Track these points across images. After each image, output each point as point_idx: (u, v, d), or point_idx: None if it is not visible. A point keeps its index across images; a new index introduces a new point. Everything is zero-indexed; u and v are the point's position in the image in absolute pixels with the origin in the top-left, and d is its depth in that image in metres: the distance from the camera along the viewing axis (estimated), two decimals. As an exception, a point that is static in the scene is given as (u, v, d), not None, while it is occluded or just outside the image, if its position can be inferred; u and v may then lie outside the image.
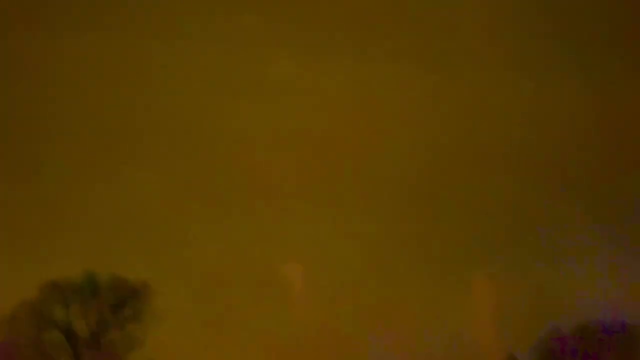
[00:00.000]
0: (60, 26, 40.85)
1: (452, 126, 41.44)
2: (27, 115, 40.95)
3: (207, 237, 42.53)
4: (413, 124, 42.22)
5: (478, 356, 32.18)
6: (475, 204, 41.66)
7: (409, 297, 39.52)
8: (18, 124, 40.97)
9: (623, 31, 40.37)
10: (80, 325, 28.17)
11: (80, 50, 41.02)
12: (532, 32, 41.61)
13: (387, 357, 35.54)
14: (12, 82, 40.97)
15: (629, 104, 38.39)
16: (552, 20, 42.17)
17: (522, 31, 41.37)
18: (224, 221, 43.62)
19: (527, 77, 39.49)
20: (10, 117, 40.92)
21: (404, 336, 35.41)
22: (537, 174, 40.57)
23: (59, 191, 39.68)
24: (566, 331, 30.94)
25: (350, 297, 39.44)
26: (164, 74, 42.28)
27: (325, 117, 42.38)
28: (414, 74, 41.45)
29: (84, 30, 41.39)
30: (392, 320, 37.97)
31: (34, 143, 38.83)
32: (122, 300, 28.76)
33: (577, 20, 40.89)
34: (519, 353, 32.61)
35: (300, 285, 34.47)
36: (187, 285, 37.81)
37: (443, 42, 41.92)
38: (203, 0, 43.98)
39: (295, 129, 43.03)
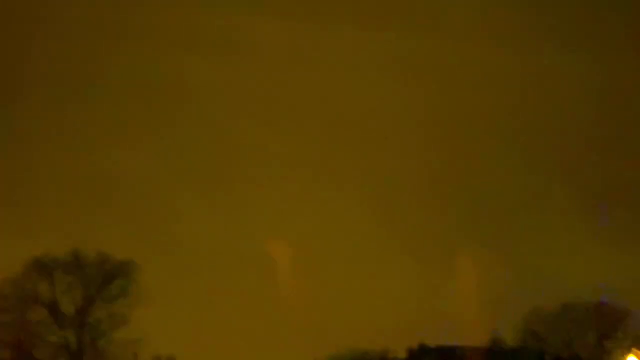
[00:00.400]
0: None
1: (438, 109, 41.36)
2: (4, 90, 40.16)
3: (195, 214, 42.34)
4: (401, 104, 42.05)
5: (463, 335, 32.64)
6: (461, 185, 41.85)
7: (394, 275, 39.86)
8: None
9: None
10: (66, 302, 27.99)
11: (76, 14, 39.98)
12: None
13: (372, 334, 35.96)
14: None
15: (622, 92, 38.41)
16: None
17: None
18: (211, 198, 43.43)
19: (517, 55, 39.35)
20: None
21: (389, 314, 35.80)
22: (524, 156, 40.72)
23: (43, 167, 39.14)
24: (549, 310, 31.42)
25: (336, 275, 39.70)
26: (151, 46, 41.46)
27: (315, 94, 42.01)
28: (404, 44, 40.99)
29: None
30: (377, 298, 38.34)
31: (17, 118, 38.15)
32: (108, 278, 28.49)
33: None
34: (503, 332, 33.18)
35: (287, 262, 34.50)
36: (174, 262, 37.73)
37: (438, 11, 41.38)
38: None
39: (283, 105, 42.65)
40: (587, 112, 38.83)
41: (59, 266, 28.18)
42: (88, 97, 40.97)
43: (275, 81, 40.89)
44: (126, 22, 38.62)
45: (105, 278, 28.53)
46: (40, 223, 33.11)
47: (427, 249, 39.36)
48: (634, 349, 27.70)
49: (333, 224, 41.93)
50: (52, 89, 40.12)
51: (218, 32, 40.86)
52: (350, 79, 41.15)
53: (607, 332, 30.79)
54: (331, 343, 36.28)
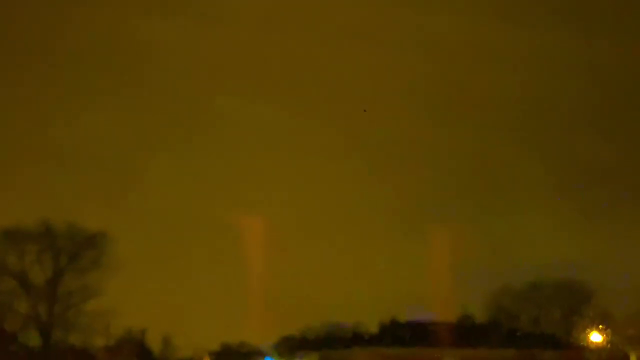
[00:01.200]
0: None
1: (418, 84, 41.20)
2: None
3: (168, 184, 41.81)
4: (382, 76, 41.75)
5: (434, 310, 33.13)
6: (435, 163, 42.09)
7: (367, 251, 40.19)
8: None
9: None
10: (35, 274, 27.48)
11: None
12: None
13: (345, 308, 36.31)
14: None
15: (601, 76, 38.68)
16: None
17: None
18: (184, 167, 42.87)
19: (500, 35, 39.28)
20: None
21: (362, 289, 36.16)
22: (500, 136, 41.05)
23: (11, 136, 38.05)
24: (518, 287, 32.06)
25: (310, 249, 39.83)
26: (112, 9, 40.15)
27: (292, 60, 41.38)
28: (386, 13, 40.44)
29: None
30: (350, 273, 38.66)
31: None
32: (79, 249, 28.02)
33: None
34: (472, 308, 33.76)
35: (261, 234, 34.37)
36: (146, 233, 37.30)
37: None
38: None
39: (258, 72, 41.93)
40: (564, 93, 39.19)
41: (28, 237, 27.57)
42: (52, 63, 39.77)
43: (248, 46, 40.18)
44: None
45: (77, 249, 28.04)
46: (9, 192, 32.38)
47: (399, 226, 39.70)
48: (596, 328, 28.46)
49: (307, 197, 41.91)
50: (15, 57, 38.92)
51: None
52: (330, 46, 40.65)
53: (573, 309, 31.50)
54: (304, 316, 36.65)
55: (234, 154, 41.66)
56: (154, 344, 36.72)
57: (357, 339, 30.80)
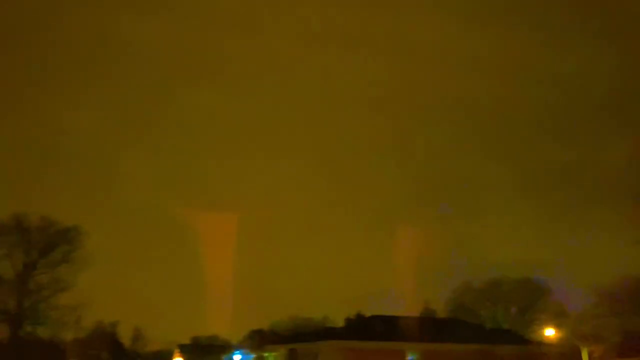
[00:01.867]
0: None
1: (385, 84, 42.18)
2: None
3: (141, 180, 42.12)
4: (350, 75, 42.55)
5: (397, 305, 34.21)
6: (403, 162, 43.21)
7: (333, 247, 41.15)
8: None
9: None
10: (5, 267, 27.59)
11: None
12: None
13: (312, 303, 37.18)
14: None
15: (564, 80, 40.12)
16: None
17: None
18: (157, 164, 43.21)
19: (464, 39, 40.41)
20: None
21: (329, 285, 37.11)
22: (465, 136, 42.35)
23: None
24: (478, 284, 33.29)
25: (277, 244, 40.61)
26: (91, 5, 40.20)
27: (263, 58, 41.90)
28: (350, 14, 41.15)
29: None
30: (317, 269, 39.56)
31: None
32: (51, 243, 28.20)
33: None
34: (435, 303, 34.87)
35: (231, 230, 34.95)
36: (119, 227, 37.65)
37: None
38: None
39: (231, 68, 42.34)
40: (528, 100, 40.58)
41: (0, 230, 27.69)
42: (27, 58, 39.65)
43: (220, 43, 40.56)
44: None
45: (49, 243, 28.23)
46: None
47: (366, 223, 40.73)
48: (551, 324, 29.76)
49: (277, 195, 42.63)
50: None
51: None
52: (300, 43, 41.29)
53: (530, 306, 32.79)
54: (273, 311, 37.43)
55: (207, 151, 42.11)
56: (125, 337, 37.11)
57: (324, 332, 31.55)
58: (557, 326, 30.49)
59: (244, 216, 36.59)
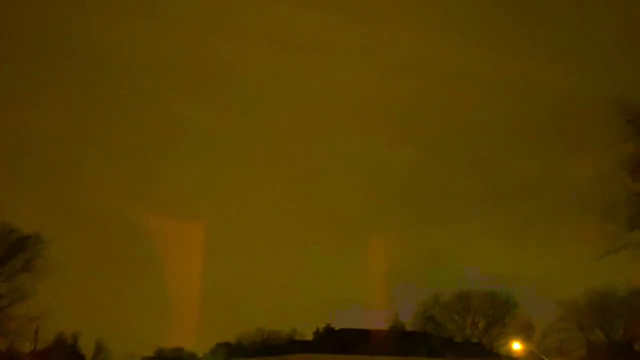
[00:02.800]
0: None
1: (355, 99, 42.38)
2: None
3: (106, 187, 41.07)
4: (322, 86, 42.61)
5: (366, 318, 34.13)
6: (372, 171, 43.35)
7: (302, 260, 40.88)
8: None
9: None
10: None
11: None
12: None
13: (280, 316, 36.80)
14: None
15: (530, 93, 40.95)
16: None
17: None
18: (122, 171, 42.19)
19: (434, 52, 40.94)
20: None
21: (297, 297, 36.80)
22: (436, 145, 42.76)
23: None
24: (446, 297, 33.48)
25: (246, 256, 40.12)
26: (62, 6, 39.31)
27: (237, 68, 41.58)
28: (325, 24, 41.27)
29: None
30: (285, 281, 39.20)
31: None
32: (11, 251, 27.15)
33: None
34: (403, 316, 34.91)
35: (198, 241, 34.41)
36: (82, 235, 36.54)
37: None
38: None
39: (201, 75, 41.86)
40: (495, 112, 41.29)
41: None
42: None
43: (195, 50, 40.08)
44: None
45: (8, 251, 27.17)
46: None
47: (335, 235, 40.63)
48: (517, 338, 30.14)
49: (245, 205, 42.18)
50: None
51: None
52: (272, 53, 41.13)
53: (497, 319, 33.14)
54: (240, 323, 36.86)
55: (175, 160, 41.40)
56: (87, 349, 35.94)
57: (292, 345, 31.21)
58: (524, 340, 30.91)
59: (212, 226, 36.07)
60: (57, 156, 39.63)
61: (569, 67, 38.52)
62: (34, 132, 38.67)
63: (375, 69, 43.00)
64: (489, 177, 43.39)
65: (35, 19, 38.46)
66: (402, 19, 40.86)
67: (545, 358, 28.52)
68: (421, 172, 43.07)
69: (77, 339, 34.24)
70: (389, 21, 39.49)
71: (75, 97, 41.02)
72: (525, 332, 31.41)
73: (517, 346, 30.72)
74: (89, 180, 38.70)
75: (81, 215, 36.70)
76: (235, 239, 39.73)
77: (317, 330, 33.07)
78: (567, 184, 37.51)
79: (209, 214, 39.49)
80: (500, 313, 33.21)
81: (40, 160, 38.19)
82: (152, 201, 39.90)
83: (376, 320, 33.05)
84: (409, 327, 33.42)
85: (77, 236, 34.64)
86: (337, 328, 31.47)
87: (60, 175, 38.69)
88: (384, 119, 43.58)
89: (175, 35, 39.41)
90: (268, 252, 40.54)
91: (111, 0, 39.45)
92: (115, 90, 40.60)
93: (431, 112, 42.42)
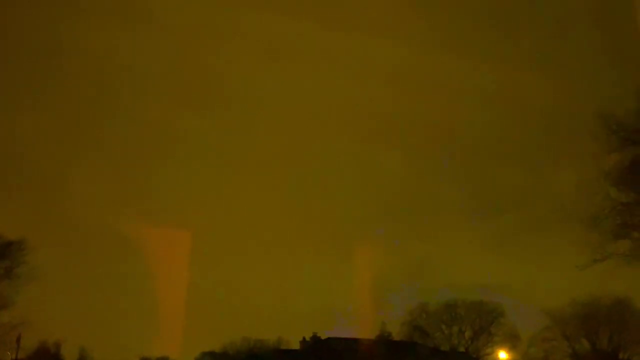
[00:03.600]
0: None
1: (345, 107, 42.42)
2: None
3: (90, 193, 40.67)
4: (311, 95, 42.64)
5: (353, 327, 34.00)
6: (360, 181, 43.38)
7: (289, 268, 40.67)
8: None
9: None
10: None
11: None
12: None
13: (266, 324, 36.54)
14: None
15: (515, 106, 41.25)
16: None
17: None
18: (108, 178, 41.83)
19: (419, 63, 41.12)
20: None
21: (284, 306, 36.57)
22: (422, 157, 42.84)
23: None
24: (433, 307, 33.51)
25: (232, 264, 39.83)
26: (49, 11, 39.02)
27: (223, 76, 41.50)
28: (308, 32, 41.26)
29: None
30: (271, 290, 38.96)
31: None
32: (-7, 257, 26.75)
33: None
34: (390, 326, 34.88)
35: (183, 249, 34.17)
36: (66, 242, 36.11)
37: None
38: None
39: (190, 84, 41.74)
40: (482, 123, 41.52)
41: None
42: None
43: (185, 58, 39.94)
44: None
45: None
46: None
47: (322, 244, 40.51)
48: (503, 347, 30.27)
49: (232, 213, 41.95)
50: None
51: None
52: (261, 61, 41.07)
53: (483, 329, 33.20)
54: (226, 331, 36.54)
55: (159, 167, 41.08)
56: (69, 357, 35.46)
57: (278, 354, 31.06)
58: (510, 349, 31.03)
59: (197, 234, 35.74)
60: (43, 162, 39.22)
61: (554, 79, 38.87)
62: (21, 138, 38.28)
63: (364, 78, 43.09)
64: (476, 187, 43.58)
65: (26, 24, 38.17)
66: (392, 28, 41.04)
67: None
68: (408, 181, 43.14)
69: (59, 348, 33.78)
70: (378, 30, 39.64)
71: (64, 103, 40.67)
72: (512, 342, 31.52)
73: (503, 355, 30.85)
74: (75, 187, 38.31)
75: (66, 222, 36.29)
76: (221, 247, 39.46)
77: (304, 339, 32.96)
78: (553, 194, 37.74)
79: (196, 221, 39.16)
80: (486, 322, 33.26)
81: (26, 166, 37.75)
82: (138, 208, 39.53)
83: (363, 329, 32.93)
84: (396, 336, 33.42)
85: (61, 243, 34.24)
86: (324, 337, 31.40)
87: (46, 182, 38.25)
88: (371, 129, 43.61)
89: (165, 43, 39.30)
90: (254, 261, 40.30)
91: (103, 6, 39.15)
92: (104, 97, 40.36)
93: (419, 122, 42.57)
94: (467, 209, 41.47)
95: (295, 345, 33.55)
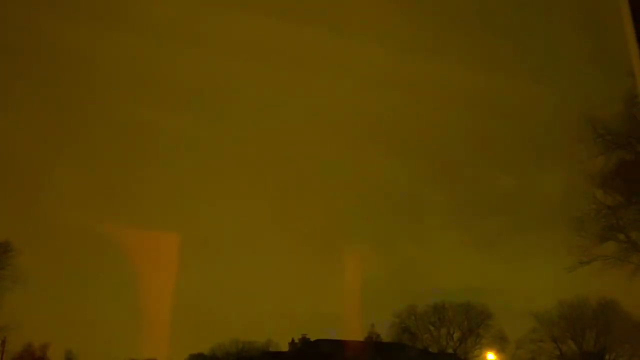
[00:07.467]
0: None
1: (330, 111, 42.40)
2: None
3: (76, 194, 40.35)
4: (298, 100, 42.57)
5: (341, 329, 34.00)
6: (346, 182, 43.34)
7: (278, 270, 40.57)
8: None
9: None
10: None
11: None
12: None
13: (255, 326, 36.47)
14: None
15: (501, 109, 41.44)
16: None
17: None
18: (93, 179, 41.50)
19: (404, 66, 41.21)
20: None
21: (273, 308, 36.49)
22: (407, 158, 42.90)
23: None
24: (421, 309, 33.67)
25: (221, 266, 39.68)
26: (29, 10, 38.64)
27: (211, 80, 41.37)
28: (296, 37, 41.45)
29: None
30: (260, 292, 38.87)
31: None
32: (-23, 260, 26.56)
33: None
34: (379, 328, 34.97)
35: (172, 251, 33.98)
36: (51, 243, 35.76)
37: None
38: None
39: (177, 88, 41.53)
40: (469, 126, 41.66)
41: None
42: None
43: (168, 59, 39.60)
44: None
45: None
46: None
47: (310, 246, 40.46)
48: (491, 349, 30.45)
49: (219, 214, 41.74)
50: None
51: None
52: (248, 64, 40.90)
53: (471, 331, 33.39)
54: (214, 334, 36.40)
55: (146, 168, 40.74)
56: (56, 360, 35.22)
57: (267, 356, 31.03)
58: (498, 351, 31.22)
59: (185, 236, 35.49)
60: (25, 163, 38.76)
61: (540, 83, 39.05)
62: (3, 139, 37.81)
63: (351, 82, 43.04)
64: (464, 190, 43.64)
65: (2, 22, 37.67)
66: (379, 31, 41.06)
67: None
68: (397, 184, 43.20)
69: (46, 351, 33.50)
70: (364, 33, 39.63)
71: (43, 104, 40.19)
72: (500, 344, 31.73)
73: (491, 357, 31.03)
74: (58, 189, 37.85)
75: (50, 224, 35.92)
76: (209, 249, 39.23)
77: (293, 341, 32.93)
78: (540, 197, 37.95)
79: (182, 224, 38.91)
80: (474, 324, 33.46)
81: (8, 168, 37.31)
82: (123, 210, 39.20)
83: (352, 331, 32.94)
84: (384, 338, 33.52)
85: (46, 245, 33.89)
86: (312, 339, 31.37)
87: (29, 183, 37.81)
88: (359, 132, 43.59)
89: (147, 43, 38.94)
90: (242, 263, 40.12)
91: (80, 6, 38.67)
92: (85, 98, 39.86)
93: (406, 126, 42.64)
94: (454, 212, 41.57)
95: (285, 348, 33.54)
